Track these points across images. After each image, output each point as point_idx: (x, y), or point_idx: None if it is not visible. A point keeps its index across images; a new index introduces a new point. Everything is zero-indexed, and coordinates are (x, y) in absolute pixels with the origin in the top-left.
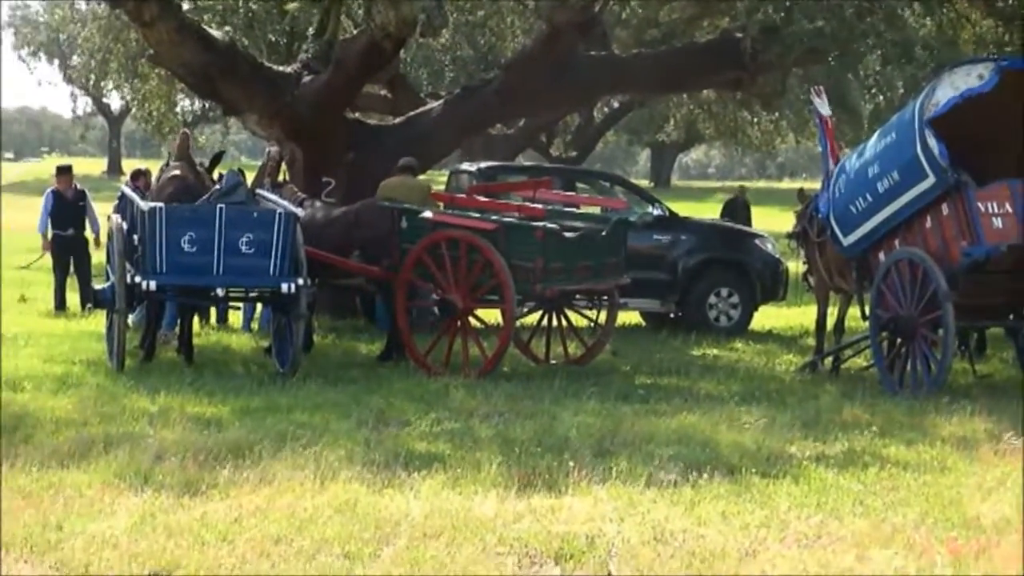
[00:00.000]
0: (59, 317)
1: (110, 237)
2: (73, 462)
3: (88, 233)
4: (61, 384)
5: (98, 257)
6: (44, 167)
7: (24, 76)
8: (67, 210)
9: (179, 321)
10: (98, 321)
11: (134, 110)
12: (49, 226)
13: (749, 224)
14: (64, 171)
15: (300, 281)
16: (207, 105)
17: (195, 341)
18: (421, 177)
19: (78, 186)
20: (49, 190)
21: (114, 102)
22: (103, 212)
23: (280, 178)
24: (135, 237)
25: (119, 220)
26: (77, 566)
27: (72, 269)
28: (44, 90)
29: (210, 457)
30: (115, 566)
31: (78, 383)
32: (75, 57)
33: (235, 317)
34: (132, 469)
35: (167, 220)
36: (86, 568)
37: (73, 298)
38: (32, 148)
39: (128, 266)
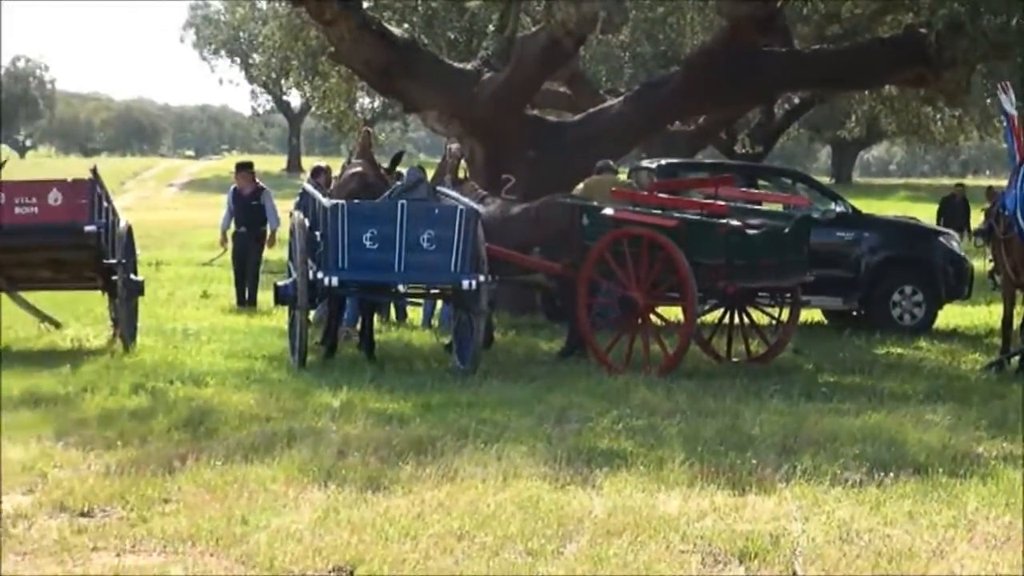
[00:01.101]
0: (240, 313)
1: (292, 233)
2: (257, 456)
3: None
4: (244, 379)
5: (278, 254)
6: (224, 164)
7: (205, 75)
8: (242, 207)
9: (360, 317)
10: (279, 317)
11: (314, 108)
12: (232, 223)
13: (967, 223)
14: (242, 168)
15: (481, 277)
16: (387, 102)
17: (376, 337)
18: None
19: (259, 183)
20: (232, 187)
21: (294, 100)
22: (285, 209)
23: (460, 175)
24: (317, 233)
25: (301, 216)
26: (262, 560)
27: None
28: (225, 88)
29: (392, 453)
30: (299, 560)
31: (261, 378)
32: (256, 55)
33: (415, 314)
34: (315, 464)
35: (349, 217)
36: (271, 562)
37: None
38: (213, 146)
39: (310, 262)
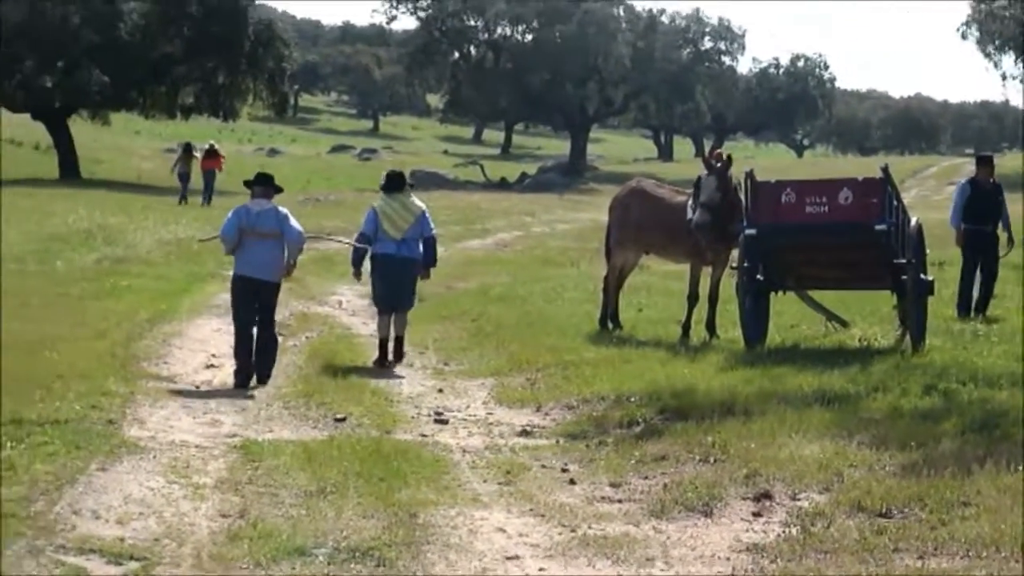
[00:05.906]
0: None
1: None
2: None
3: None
4: None
5: None
6: (1004, 162)
7: (987, 71)
8: (980, 203)
9: None
10: None
11: None
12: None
13: None
14: (984, 162)
15: None
16: None
17: None
18: None
19: (995, 179)
20: (964, 180)
21: None
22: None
23: None
24: None
25: None
26: None
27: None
28: (1008, 84)
29: None
30: None
31: None
32: None
33: None
34: None
35: None
36: None
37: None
38: (993, 144)
39: None
